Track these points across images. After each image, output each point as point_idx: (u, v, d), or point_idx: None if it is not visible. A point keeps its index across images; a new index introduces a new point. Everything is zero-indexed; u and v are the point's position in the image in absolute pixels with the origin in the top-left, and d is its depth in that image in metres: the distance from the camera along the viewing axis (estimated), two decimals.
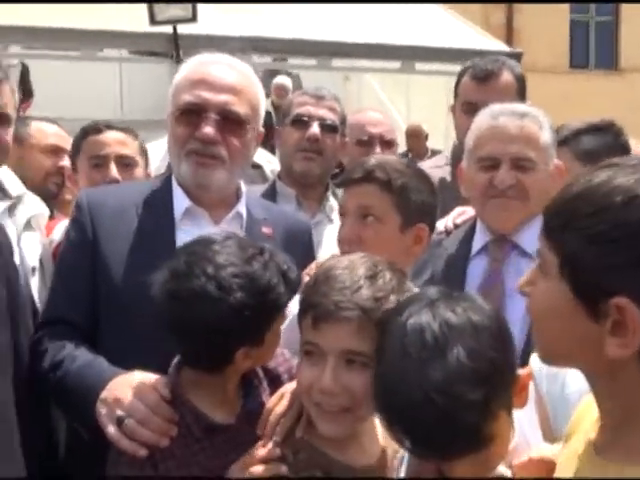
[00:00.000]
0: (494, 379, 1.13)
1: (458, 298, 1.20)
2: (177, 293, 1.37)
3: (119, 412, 1.42)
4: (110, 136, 2.45)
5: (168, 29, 5.60)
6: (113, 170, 2.40)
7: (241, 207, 1.81)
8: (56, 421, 1.77)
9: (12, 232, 2.11)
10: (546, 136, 1.96)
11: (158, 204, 1.76)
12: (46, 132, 2.73)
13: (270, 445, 1.36)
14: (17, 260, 1.91)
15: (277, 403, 1.43)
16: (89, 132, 2.47)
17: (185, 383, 1.45)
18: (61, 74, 7.72)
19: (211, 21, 5.71)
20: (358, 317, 1.29)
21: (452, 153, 2.80)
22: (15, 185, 2.34)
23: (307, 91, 2.67)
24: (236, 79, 1.76)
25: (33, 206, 2.38)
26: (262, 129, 1.85)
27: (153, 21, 5.55)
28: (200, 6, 5.47)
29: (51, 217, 2.59)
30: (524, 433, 1.33)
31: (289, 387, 1.45)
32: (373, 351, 1.28)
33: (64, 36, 5.93)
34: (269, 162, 3.59)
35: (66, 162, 2.67)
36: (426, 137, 7.90)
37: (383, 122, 2.94)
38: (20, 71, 7.69)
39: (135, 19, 5.72)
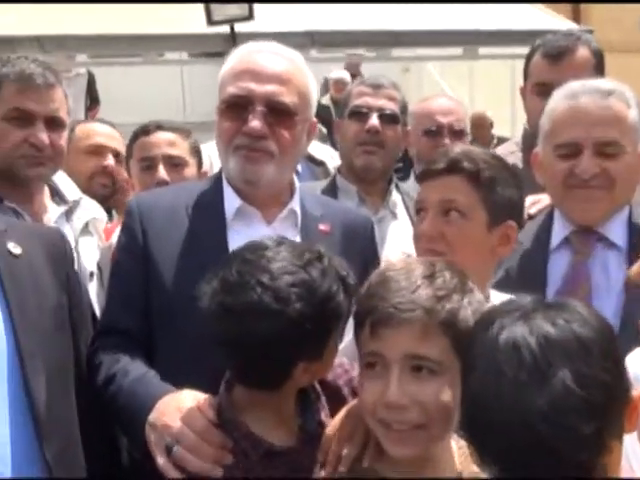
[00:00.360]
0: (608, 407, 0.97)
1: (557, 308, 1.04)
2: (230, 306, 1.25)
3: (167, 439, 1.34)
4: (158, 137, 2.38)
5: (225, 29, 5.60)
6: (161, 171, 2.33)
7: (295, 204, 1.72)
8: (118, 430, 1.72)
9: (70, 237, 2.08)
10: (634, 115, 1.77)
11: (209, 205, 1.68)
12: (89, 133, 2.67)
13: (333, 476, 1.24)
14: (75, 266, 1.87)
15: (338, 426, 1.30)
16: (139, 134, 2.42)
17: (238, 403, 1.34)
18: (125, 80, 7.90)
19: (268, 18, 5.67)
20: (420, 318, 1.18)
21: (523, 138, 2.62)
22: (71, 190, 2.31)
23: (365, 81, 2.59)
24: (283, 67, 1.66)
25: (90, 210, 2.35)
26: (315, 119, 1.75)
27: (210, 21, 5.58)
28: (256, 3, 5.45)
29: (110, 219, 2.55)
30: (626, 453, 1.16)
31: (351, 407, 1.32)
32: (442, 357, 1.17)
33: (126, 42, 6.04)
34: (332, 158, 3.50)
35: (110, 161, 2.61)
36: (491, 125, 7.66)
37: (453, 110, 2.77)
38: (87, 79, 7.91)
39: (192, 21, 5.75)
